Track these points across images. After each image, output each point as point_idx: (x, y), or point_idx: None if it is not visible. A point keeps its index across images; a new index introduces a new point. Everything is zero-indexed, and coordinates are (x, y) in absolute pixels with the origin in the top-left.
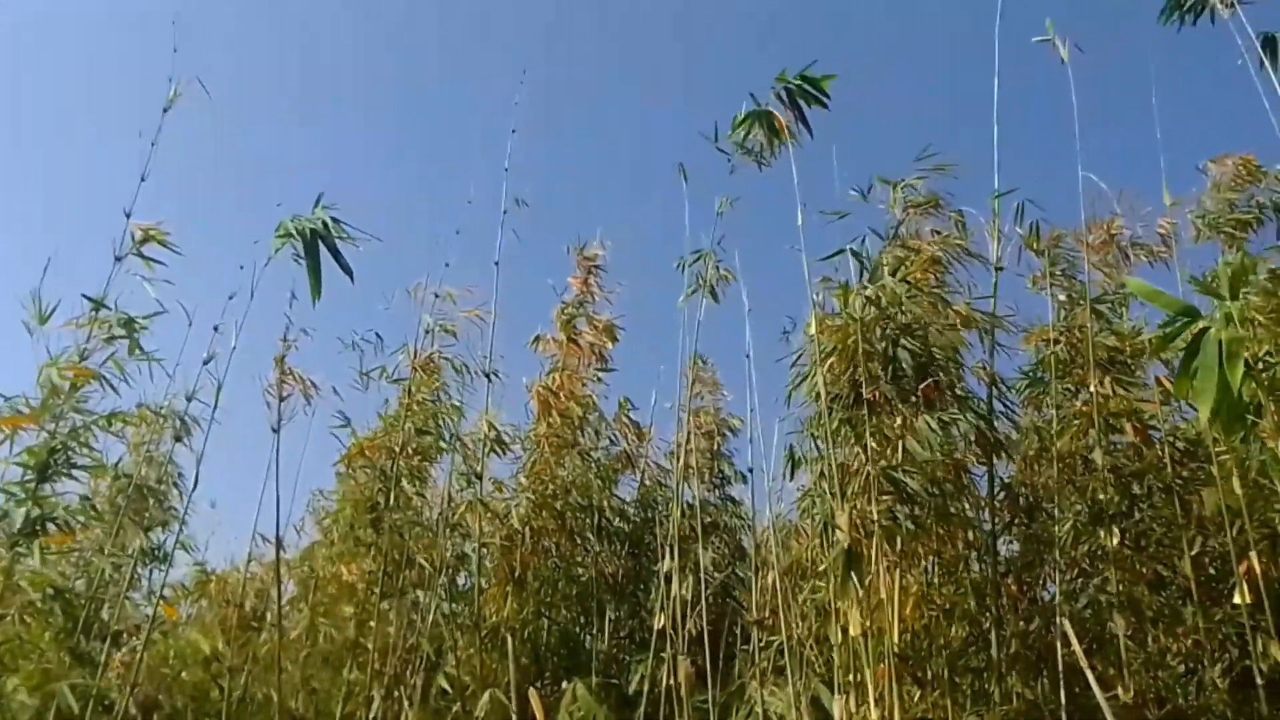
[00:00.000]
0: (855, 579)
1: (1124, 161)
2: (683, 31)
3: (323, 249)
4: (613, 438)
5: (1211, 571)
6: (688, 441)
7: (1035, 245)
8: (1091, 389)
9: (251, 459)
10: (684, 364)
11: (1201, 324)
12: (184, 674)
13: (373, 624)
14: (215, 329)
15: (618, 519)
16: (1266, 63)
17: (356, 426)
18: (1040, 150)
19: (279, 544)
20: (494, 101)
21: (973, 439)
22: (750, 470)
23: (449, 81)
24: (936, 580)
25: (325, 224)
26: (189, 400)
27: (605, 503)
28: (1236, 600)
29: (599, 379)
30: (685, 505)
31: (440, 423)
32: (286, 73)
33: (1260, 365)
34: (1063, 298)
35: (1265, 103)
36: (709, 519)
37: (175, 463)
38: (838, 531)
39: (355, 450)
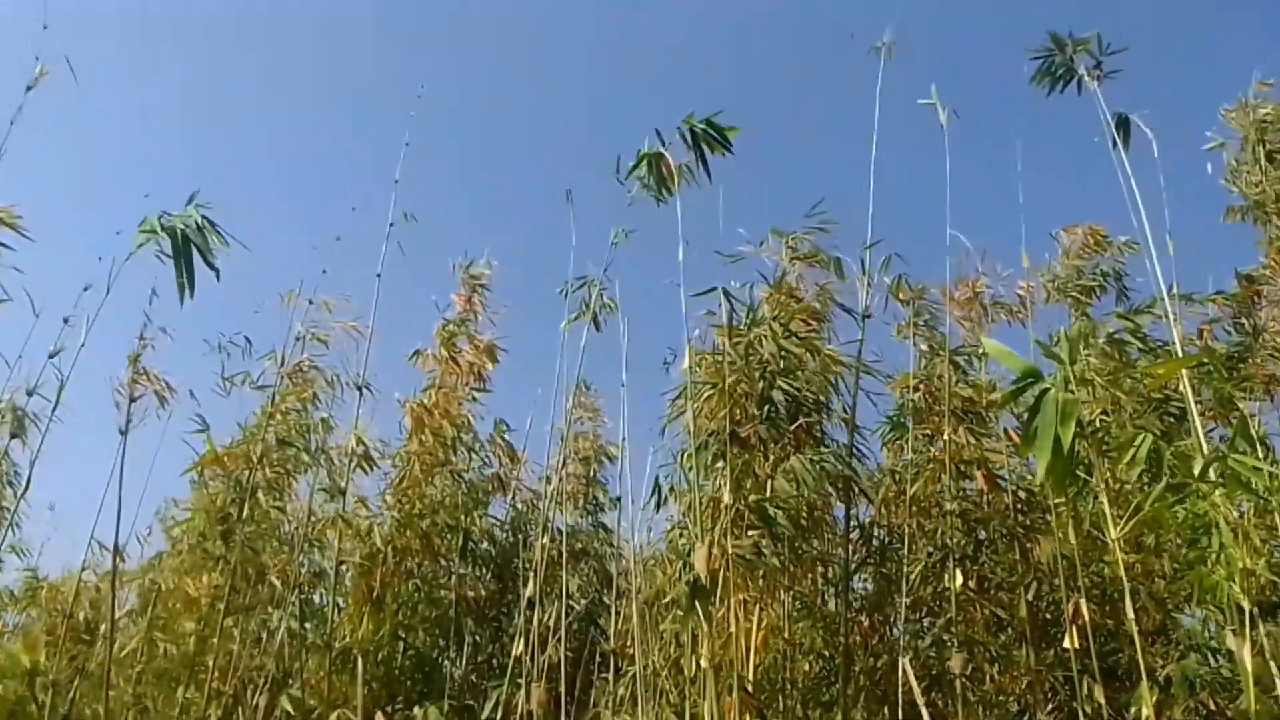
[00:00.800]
0: (702, 611)
1: (991, 223)
2: (596, 66)
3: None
4: (486, 459)
5: (1046, 616)
6: (563, 466)
7: (901, 296)
8: (946, 436)
9: (98, 462)
10: (564, 388)
11: (1043, 385)
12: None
13: (215, 641)
14: (65, 321)
15: (485, 541)
16: (1119, 141)
17: (216, 434)
18: (917, 207)
19: (117, 552)
20: (392, 114)
21: (834, 480)
22: (619, 499)
23: (346, 88)
24: (793, 615)
25: (198, 223)
26: (29, 395)
27: (474, 524)
28: (1066, 644)
29: (476, 399)
30: (555, 530)
31: (306, 434)
32: (172, 66)
33: (1095, 425)
34: (924, 348)
35: (1118, 176)
36: (579, 545)
37: (10, 459)
38: (696, 564)
39: (210, 458)
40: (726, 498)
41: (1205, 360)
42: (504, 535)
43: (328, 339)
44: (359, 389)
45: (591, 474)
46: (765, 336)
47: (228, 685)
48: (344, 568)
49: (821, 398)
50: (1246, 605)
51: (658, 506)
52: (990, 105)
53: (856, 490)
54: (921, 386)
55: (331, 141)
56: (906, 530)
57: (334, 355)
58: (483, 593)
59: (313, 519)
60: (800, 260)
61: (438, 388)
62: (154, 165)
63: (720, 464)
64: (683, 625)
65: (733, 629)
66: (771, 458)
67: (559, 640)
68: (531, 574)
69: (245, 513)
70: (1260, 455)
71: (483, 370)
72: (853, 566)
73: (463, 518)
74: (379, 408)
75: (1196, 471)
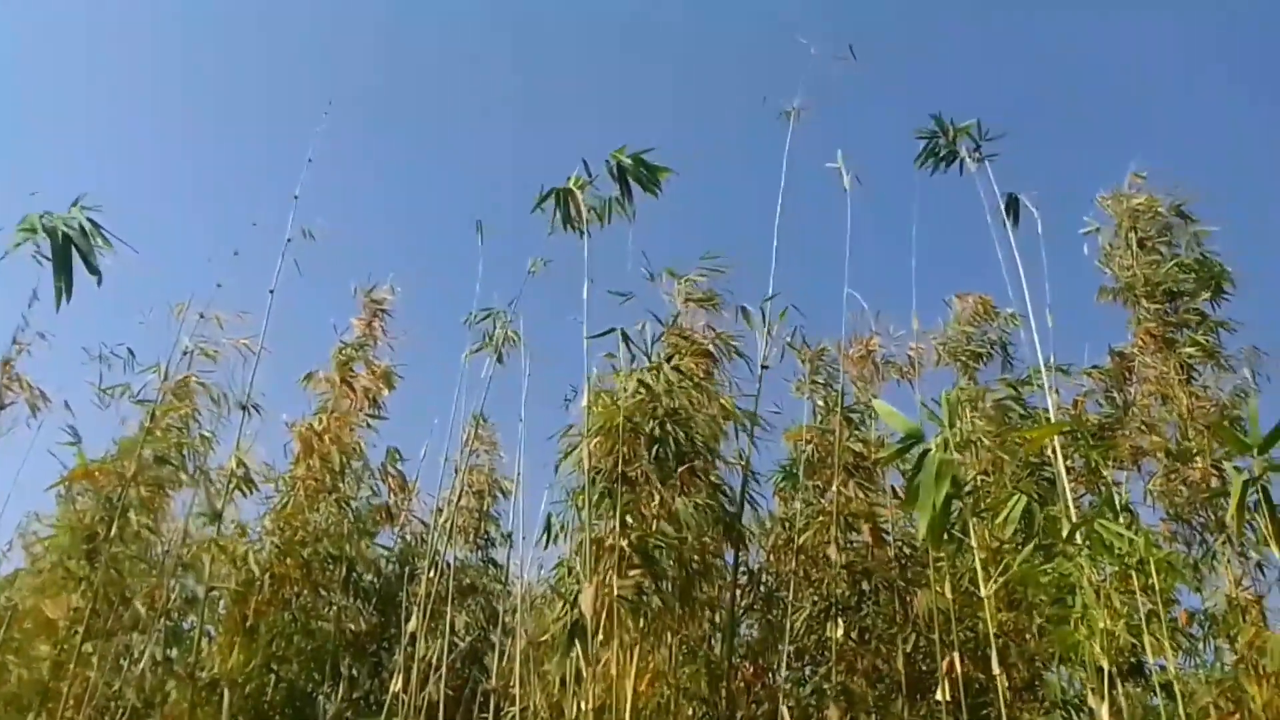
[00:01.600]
0: (582, 652)
1: (888, 285)
2: (525, 95)
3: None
4: (375, 488)
5: (922, 668)
6: (456, 499)
7: (801, 356)
8: (836, 490)
9: None
10: (462, 420)
11: (925, 446)
12: None
13: (72, 667)
14: None
15: (370, 573)
16: (1008, 218)
17: (89, 447)
18: (820, 264)
19: None
20: (300, 125)
21: (722, 524)
22: (510, 535)
23: (261, 98)
24: (679, 659)
25: (81, 225)
26: None
27: (358, 555)
28: (939, 696)
29: (369, 425)
30: (443, 564)
31: (185, 453)
32: (75, 64)
33: (975, 485)
34: (820, 402)
35: (1011, 248)
36: (467, 581)
37: None
38: (580, 603)
39: (80, 472)
40: (612, 537)
41: (1074, 428)
42: (390, 567)
43: (216, 355)
44: (244, 408)
45: (485, 508)
46: (657, 378)
47: (82, 714)
48: (216, 594)
49: (712, 443)
50: (1106, 665)
51: (547, 544)
52: (896, 172)
53: (746, 536)
54: (814, 440)
55: (239, 153)
56: (793, 579)
57: (222, 372)
58: (363, 626)
59: (187, 541)
60: (694, 303)
61: (330, 412)
62: (45, 165)
63: (607, 502)
64: (562, 666)
65: (615, 671)
66: (659, 499)
67: (440, 678)
68: (416, 609)
69: (114, 532)
70: (1123, 522)
71: (378, 396)
72: (739, 612)
73: (347, 547)
74: (267, 430)
75: (1064, 534)
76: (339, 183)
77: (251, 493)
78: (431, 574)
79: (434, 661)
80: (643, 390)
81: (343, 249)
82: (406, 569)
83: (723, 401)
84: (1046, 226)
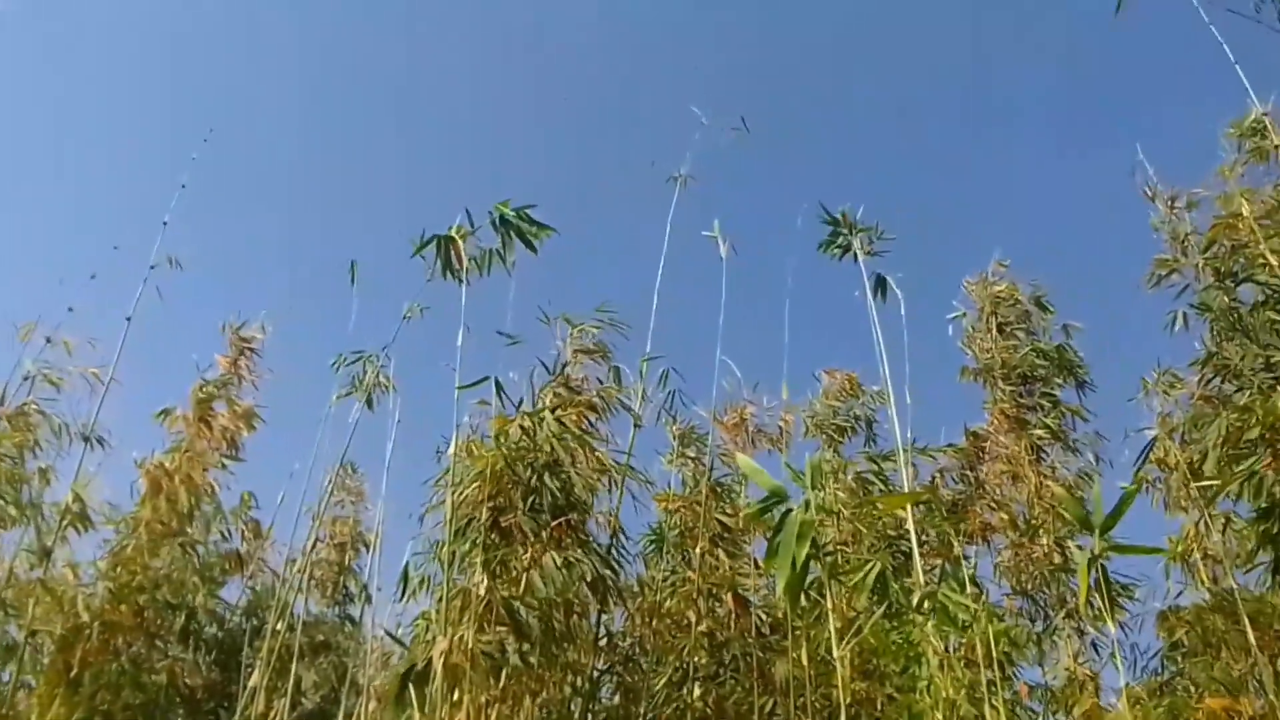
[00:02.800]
0: (417, 706)
1: (761, 356)
2: (411, 140)
3: None
4: (227, 533)
5: None
6: (312, 549)
7: (671, 429)
8: (702, 556)
9: None
10: (325, 466)
11: (788, 506)
12: None
13: None
14: None
15: (212, 624)
16: (875, 298)
17: None
18: (696, 331)
19: None
20: (178, 148)
21: (590, 583)
22: (366, 588)
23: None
24: None
25: None
26: None
27: (201, 604)
28: None
29: (225, 466)
30: (294, 618)
31: (18, 485)
32: None
33: (836, 553)
34: (689, 470)
35: (876, 328)
36: (320, 637)
37: None
38: (434, 656)
39: None
40: (480, 590)
41: (927, 499)
42: (235, 619)
43: (61, 382)
44: (88, 440)
45: (346, 561)
46: (539, 426)
47: None
48: (39, 640)
49: (587, 498)
50: None
51: (404, 597)
52: (774, 246)
53: (612, 597)
54: (683, 506)
55: (107, 176)
56: (655, 644)
57: (66, 402)
58: (201, 680)
59: (12, 582)
60: (583, 354)
61: (183, 451)
62: None
63: (476, 553)
64: (396, 718)
65: None
66: (530, 552)
67: None
68: (260, 663)
69: None
70: (969, 594)
71: (237, 437)
72: (600, 675)
73: (190, 595)
74: (112, 466)
75: (914, 603)
76: (216, 213)
77: (86, 531)
78: (280, 627)
79: None
80: (525, 438)
81: (212, 281)
82: (253, 621)
83: (599, 456)
84: (918, 308)
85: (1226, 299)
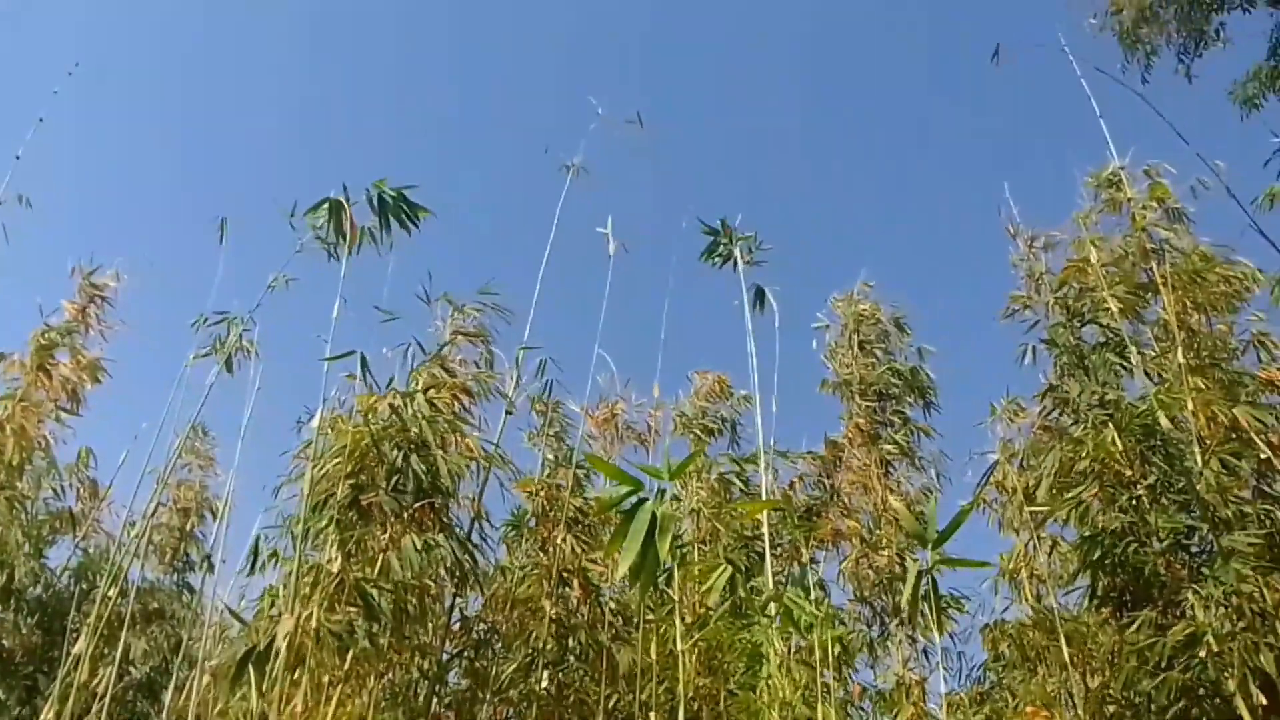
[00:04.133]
0: (255, 685)
1: (637, 353)
2: (293, 105)
3: None
4: (60, 490)
5: None
6: (153, 513)
7: (537, 405)
8: (558, 543)
9: None
10: (175, 428)
11: (642, 496)
12: None
13: None
14: None
15: (37, 584)
16: (753, 307)
17: None
18: (577, 323)
19: None
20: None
21: (449, 567)
22: (209, 558)
23: None
24: (381, 704)
25: None
26: None
27: (25, 563)
28: None
29: (62, 420)
30: (128, 584)
31: None
32: None
33: (692, 550)
34: (550, 456)
35: (749, 336)
36: (154, 604)
37: None
38: (278, 634)
39: None
40: (333, 567)
41: (781, 506)
42: (65, 581)
43: None
44: None
45: (189, 528)
46: (409, 407)
47: None
48: None
49: (453, 482)
50: None
51: (253, 570)
52: (658, 247)
53: (470, 581)
54: (544, 492)
55: None
56: (507, 629)
57: None
58: (19, 643)
59: None
60: (463, 337)
61: (17, 400)
62: None
63: (333, 531)
64: (231, 696)
65: (300, 709)
66: (389, 533)
67: (104, 709)
68: (87, 629)
69: None
70: (813, 598)
71: (79, 389)
72: (449, 659)
73: (13, 553)
74: None
75: (761, 604)
76: (78, 155)
77: None
78: (112, 593)
79: (100, 690)
80: (394, 416)
81: (67, 224)
82: (82, 585)
83: (469, 442)
84: (797, 318)
85: (1072, 338)
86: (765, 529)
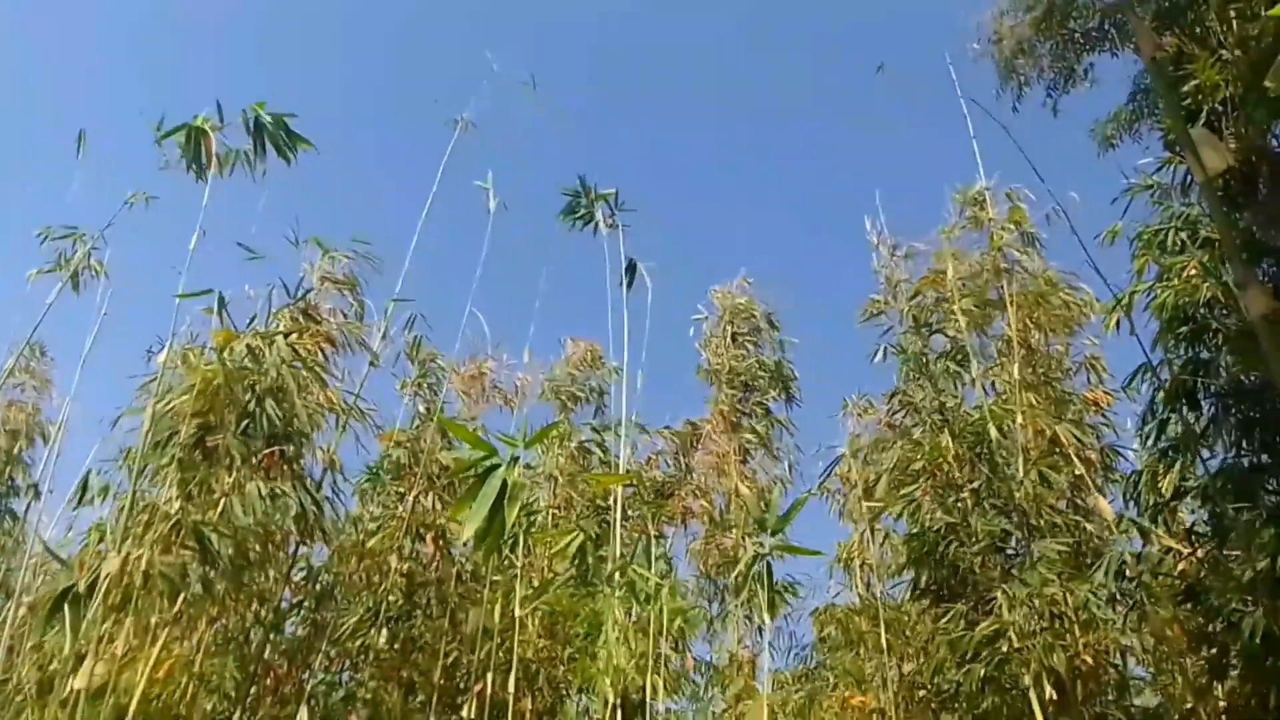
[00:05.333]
0: (71, 625)
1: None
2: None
3: None
4: None
5: (460, 685)
6: None
7: (411, 353)
8: (415, 497)
9: None
10: (9, 345)
11: (496, 462)
12: None
13: None
14: None
15: None
16: (627, 280)
17: None
18: (453, 279)
19: None
20: None
21: (295, 515)
22: (36, 485)
23: None
24: (211, 649)
25: None
26: None
27: None
28: (465, 714)
29: None
30: None
31: None
32: None
33: (545, 513)
34: (423, 409)
35: (623, 309)
36: None
37: None
38: (103, 571)
39: None
40: (171, 508)
41: (632, 482)
42: None
43: None
44: None
45: (16, 451)
46: (268, 349)
47: None
48: None
49: (307, 430)
50: (612, 699)
51: (81, 503)
52: (545, 212)
53: (316, 532)
54: (408, 445)
55: None
56: (352, 581)
57: None
58: None
59: None
60: (331, 284)
61: None
62: None
63: (174, 469)
64: (44, 633)
65: (120, 650)
66: (235, 477)
67: None
68: None
69: None
70: (657, 571)
71: None
72: (290, 608)
73: None
74: None
75: (606, 574)
76: None
77: None
78: None
79: None
80: (251, 357)
81: None
82: None
83: (329, 394)
84: (686, 301)
85: (920, 344)
86: (619, 500)
